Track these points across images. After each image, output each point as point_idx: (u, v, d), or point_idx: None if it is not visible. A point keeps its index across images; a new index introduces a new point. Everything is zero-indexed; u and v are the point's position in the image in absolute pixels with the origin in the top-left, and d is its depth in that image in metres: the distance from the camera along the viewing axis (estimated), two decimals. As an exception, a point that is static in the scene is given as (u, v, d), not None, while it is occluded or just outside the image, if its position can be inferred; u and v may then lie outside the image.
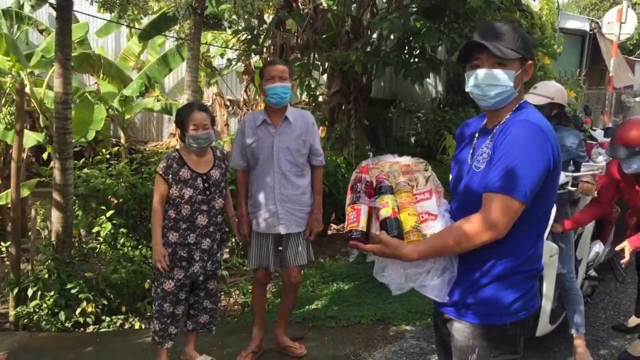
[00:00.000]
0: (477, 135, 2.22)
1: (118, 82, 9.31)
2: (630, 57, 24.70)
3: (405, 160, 2.28)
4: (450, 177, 2.33)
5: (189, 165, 3.69)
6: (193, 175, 3.67)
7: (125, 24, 8.18)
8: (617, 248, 3.75)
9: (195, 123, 3.61)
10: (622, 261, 3.74)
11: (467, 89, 2.15)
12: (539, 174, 1.93)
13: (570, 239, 4.16)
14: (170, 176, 3.64)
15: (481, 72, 2.06)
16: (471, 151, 2.18)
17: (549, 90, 4.15)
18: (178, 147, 4.54)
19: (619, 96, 19.49)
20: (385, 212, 2.04)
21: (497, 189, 1.92)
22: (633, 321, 4.65)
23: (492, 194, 1.93)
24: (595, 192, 4.16)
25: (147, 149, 11.80)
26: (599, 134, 7.39)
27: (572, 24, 16.46)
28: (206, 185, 3.70)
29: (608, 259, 5.36)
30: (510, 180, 1.90)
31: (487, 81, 2.05)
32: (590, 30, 16.80)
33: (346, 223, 2.09)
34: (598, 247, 4.98)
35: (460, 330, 2.12)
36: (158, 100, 10.47)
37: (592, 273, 4.79)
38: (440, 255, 2.02)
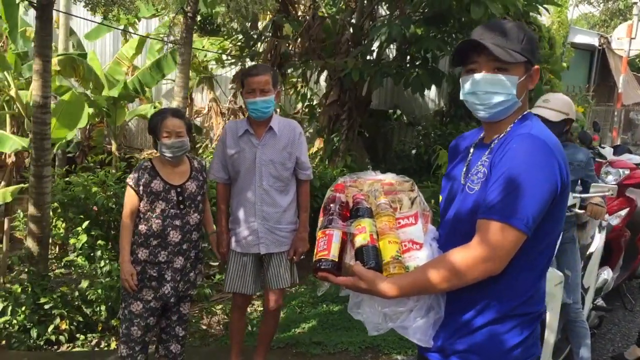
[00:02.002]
0: (472, 150, 1.90)
1: (94, 87, 9.01)
2: (640, 74, 24.36)
3: (388, 178, 1.97)
4: (441, 198, 2.00)
5: (162, 176, 3.38)
6: (166, 187, 3.36)
7: (120, 27, 7.92)
8: None
9: (168, 130, 3.30)
10: None
11: (461, 97, 1.83)
12: (544, 198, 1.61)
13: (577, 266, 3.83)
14: (141, 188, 3.33)
15: (479, 77, 1.74)
16: (465, 168, 1.87)
17: (564, 105, 3.76)
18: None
19: (627, 113, 19.16)
20: (361, 239, 1.73)
21: (494, 215, 1.60)
22: (633, 353, 4.31)
23: (488, 220, 1.61)
24: (606, 216, 3.84)
25: (141, 156, 11.51)
26: (608, 151, 7.03)
27: (581, 39, 16.17)
28: (180, 198, 3.39)
29: (617, 286, 5.00)
30: (510, 205, 1.59)
31: (486, 88, 1.74)
32: (600, 45, 16.51)
33: (315, 250, 1.77)
34: (606, 274, 4.64)
35: None
36: (154, 107, 10.20)
37: (600, 302, 4.44)
38: (424, 292, 1.70)
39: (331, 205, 1.83)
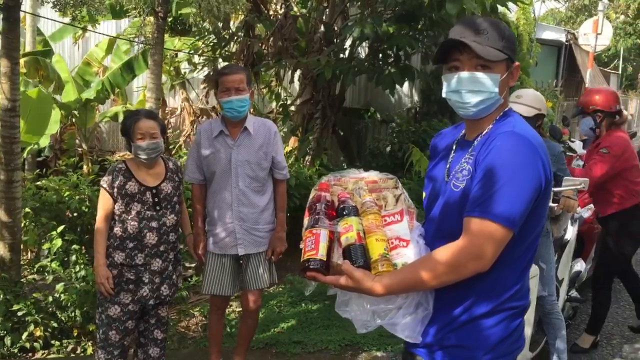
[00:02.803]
0: (454, 147, 1.90)
1: (60, 89, 8.84)
2: (606, 69, 24.87)
3: (372, 175, 1.96)
4: (424, 195, 2.01)
5: (137, 177, 3.33)
6: (141, 189, 3.31)
7: (89, 28, 7.76)
8: None
9: (142, 132, 3.25)
10: None
11: (444, 95, 1.83)
12: (529, 196, 1.62)
13: (551, 259, 3.88)
14: (116, 190, 3.28)
15: (461, 76, 1.74)
16: (447, 166, 1.87)
17: (535, 100, 3.84)
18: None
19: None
20: (349, 238, 1.72)
21: (481, 212, 1.61)
22: (586, 340, 4.42)
23: (475, 219, 1.62)
24: (578, 208, 3.91)
25: (114, 159, 11.34)
26: (577, 145, 7.14)
27: (548, 35, 16.43)
28: (156, 199, 3.34)
29: (589, 277, 5.09)
30: (496, 204, 1.59)
31: (469, 86, 1.74)
32: (567, 41, 16.79)
33: (303, 250, 1.76)
34: (580, 266, 4.72)
35: None
36: (125, 109, 10.05)
37: (574, 294, 4.51)
38: (413, 289, 1.70)
39: (317, 204, 1.82)
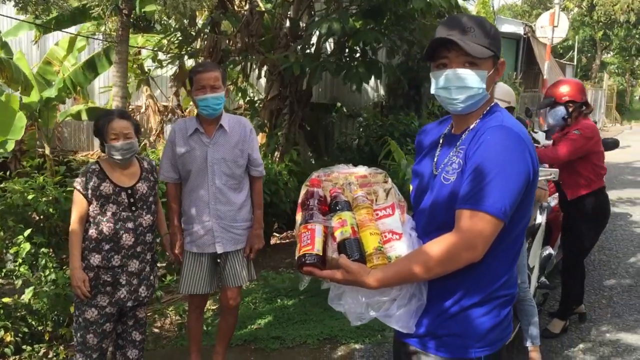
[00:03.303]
0: (440, 142, 1.94)
1: (23, 88, 8.62)
2: (561, 60, 25.45)
3: (361, 170, 1.98)
4: (411, 188, 2.04)
5: (111, 178, 3.28)
6: (116, 190, 3.26)
7: (37, 23, 7.52)
8: None
9: (116, 132, 3.20)
10: None
11: (432, 91, 1.86)
12: (519, 187, 1.67)
13: (523, 247, 3.97)
14: (90, 191, 3.22)
15: (450, 73, 1.78)
16: (435, 160, 1.91)
17: (506, 93, 3.95)
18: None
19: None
20: (343, 232, 1.74)
21: (473, 205, 1.65)
22: (557, 325, 4.56)
23: (468, 211, 1.66)
24: (548, 198, 4.02)
25: (76, 159, 11.12)
26: (540, 136, 7.30)
27: (507, 28, 16.72)
28: (132, 200, 3.30)
29: (558, 264, 5.22)
30: (487, 196, 1.63)
31: (457, 83, 1.78)
32: (525, 34, 17.11)
33: (298, 246, 1.77)
34: (549, 251, 4.84)
35: None
36: (87, 107, 9.86)
37: (543, 280, 4.63)
38: (409, 281, 1.73)
39: (310, 200, 1.83)
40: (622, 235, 7.60)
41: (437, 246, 1.68)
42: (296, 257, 1.75)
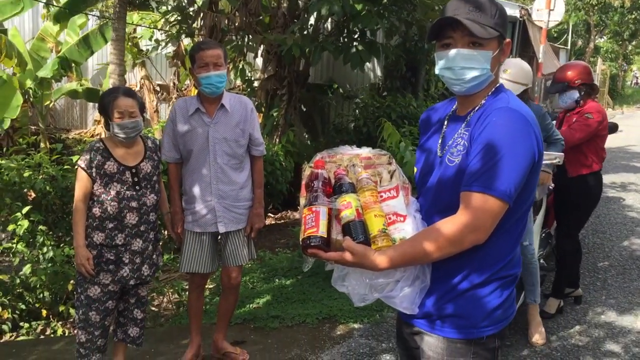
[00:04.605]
0: (445, 122, 1.96)
1: (18, 65, 8.56)
2: (556, 44, 25.37)
3: (365, 152, 1.99)
4: (415, 170, 2.06)
5: (116, 157, 3.29)
6: (120, 169, 3.27)
7: (43, 1, 7.49)
8: None
9: (121, 110, 3.20)
10: None
11: (437, 72, 1.88)
12: (524, 170, 1.69)
13: (531, 211, 4.04)
14: (94, 170, 3.23)
15: (454, 53, 1.79)
16: (440, 140, 1.93)
17: (524, 75, 4.01)
18: (103, 135, 4.09)
19: (546, 82, 19.92)
20: (348, 214, 1.76)
21: (478, 187, 1.67)
22: (552, 305, 4.66)
23: (472, 192, 1.68)
24: (552, 182, 4.09)
25: (69, 137, 11.07)
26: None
27: (503, 11, 16.58)
28: (136, 179, 3.31)
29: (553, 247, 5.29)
30: (493, 178, 1.66)
31: (462, 63, 1.79)
32: (521, 17, 17.02)
33: (302, 228, 1.78)
34: (547, 235, 4.90)
35: (433, 345, 1.87)
36: (81, 85, 9.79)
37: (542, 262, 4.69)
38: (415, 263, 1.76)
39: (314, 182, 1.84)
40: (616, 219, 7.69)
41: (444, 227, 1.70)
42: (300, 240, 1.77)
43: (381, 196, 1.85)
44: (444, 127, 1.95)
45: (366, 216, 1.78)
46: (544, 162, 3.76)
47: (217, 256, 3.72)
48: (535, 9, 16.62)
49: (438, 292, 1.83)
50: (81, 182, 3.26)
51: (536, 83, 17.05)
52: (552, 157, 3.89)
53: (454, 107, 1.98)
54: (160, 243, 3.68)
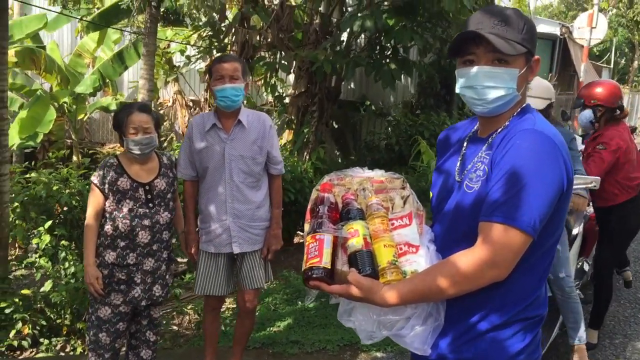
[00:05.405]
0: (465, 144, 1.79)
1: (59, 81, 8.67)
2: (598, 63, 24.81)
3: (378, 175, 1.83)
4: (431, 194, 1.89)
5: (129, 173, 3.19)
6: (134, 185, 3.18)
7: (77, 17, 7.58)
8: None
9: (135, 126, 3.12)
10: None
11: (457, 90, 1.71)
12: (550, 199, 1.50)
13: (565, 239, 3.78)
14: (107, 186, 3.15)
15: (477, 70, 1.62)
16: (459, 164, 1.75)
17: (546, 90, 3.77)
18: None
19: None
20: (354, 243, 1.60)
21: (498, 217, 1.49)
22: (592, 336, 4.35)
23: (492, 223, 1.50)
24: (589, 207, 3.82)
25: (104, 150, 11.18)
26: (578, 141, 7.02)
27: (543, 28, 16.30)
28: (149, 196, 3.21)
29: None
30: (515, 207, 1.47)
31: (485, 82, 1.62)
32: (561, 34, 16.68)
33: (305, 257, 1.64)
34: (585, 266, 4.62)
35: None
36: (116, 99, 9.89)
37: (578, 293, 4.41)
38: (427, 300, 1.59)
39: (319, 206, 1.69)
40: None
41: (459, 261, 1.53)
42: (302, 270, 1.62)
43: (392, 224, 1.69)
44: (464, 148, 1.78)
45: (375, 246, 1.62)
46: (579, 186, 3.53)
47: (234, 279, 3.59)
48: (577, 26, 16.31)
49: (453, 332, 1.65)
50: (93, 199, 3.18)
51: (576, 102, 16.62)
52: (588, 181, 3.64)
53: (475, 127, 1.81)
54: (179, 260, 3.57)
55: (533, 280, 1.63)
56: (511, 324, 1.61)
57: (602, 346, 4.40)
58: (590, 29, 15.42)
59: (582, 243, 4.61)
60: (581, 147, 6.15)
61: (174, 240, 3.69)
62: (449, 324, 1.65)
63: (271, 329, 4.63)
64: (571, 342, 3.84)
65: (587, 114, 4.22)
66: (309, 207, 1.76)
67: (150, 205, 3.21)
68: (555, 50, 17.35)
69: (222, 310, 4.88)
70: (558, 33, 16.86)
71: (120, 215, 3.15)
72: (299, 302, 5.15)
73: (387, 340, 4.27)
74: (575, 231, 4.17)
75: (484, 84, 1.62)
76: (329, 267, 1.59)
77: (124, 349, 3.46)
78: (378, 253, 1.60)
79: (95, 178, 3.19)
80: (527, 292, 1.62)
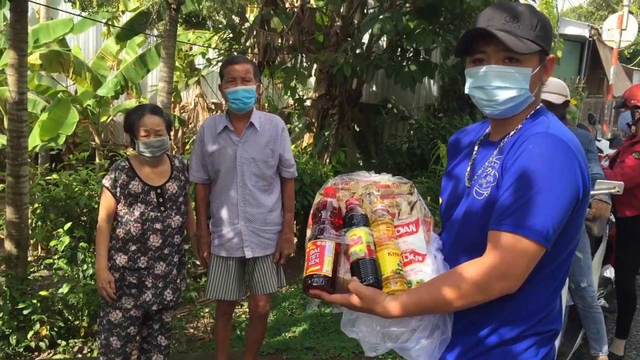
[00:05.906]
0: (476, 148, 1.70)
1: (90, 83, 8.75)
2: (628, 66, 24.32)
3: (384, 179, 1.76)
4: (440, 200, 1.81)
5: (141, 176, 3.17)
6: (145, 189, 3.15)
7: (103, 21, 7.64)
8: None
9: (147, 128, 3.09)
10: None
11: (467, 91, 1.63)
12: (565, 207, 1.41)
13: (587, 248, 3.65)
14: (118, 189, 3.12)
15: (487, 70, 1.54)
16: (469, 168, 1.67)
17: (561, 87, 3.67)
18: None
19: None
20: (357, 251, 1.53)
21: (509, 226, 1.40)
22: (619, 346, 4.21)
23: (502, 232, 1.41)
24: (611, 214, 3.70)
25: (127, 152, 11.25)
26: (604, 144, 6.84)
27: (571, 30, 16.03)
28: (161, 200, 3.18)
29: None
30: (527, 215, 1.38)
31: (495, 82, 1.54)
32: (590, 36, 16.38)
33: (305, 265, 1.57)
34: (609, 273, 4.47)
35: None
36: (140, 102, 9.94)
37: (602, 302, 4.27)
38: (432, 312, 1.51)
39: (322, 212, 1.63)
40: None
41: (468, 271, 1.45)
42: (303, 278, 1.56)
43: (398, 231, 1.61)
44: (474, 152, 1.69)
45: (379, 254, 1.55)
46: (602, 191, 3.40)
47: (245, 283, 3.54)
48: (606, 28, 16.02)
49: (461, 346, 1.57)
50: (105, 202, 3.16)
51: (606, 106, 16.31)
52: (612, 186, 3.51)
53: (487, 130, 1.72)
54: (185, 266, 3.53)
55: (547, 293, 1.54)
56: (523, 338, 1.53)
57: (628, 358, 4.25)
58: (620, 31, 15.14)
59: (607, 250, 4.47)
60: (608, 151, 5.99)
61: (186, 247, 3.66)
62: (456, 337, 1.57)
63: (286, 334, 4.57)
64: (593, 353, 3.73)
65: (626, 115, 4.17)
66: (311, 212, 1.70)
67: (162, 208, 3.18)
68: (584, 53, 17.06)
69: (237, 314, 4.84)
70: (587, 35, 16.57)
71: (132, 219, 3.12)
72: (316, 307, 5.07)
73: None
74: (600, 238, 4.04)
75: (494, 85, 1.54)
76: (330, 275, 1.52)
77: (136, 354, 3.44)
78: (382, 261, 1.53)
79: (106, 181, 3.17)
80: (540, 305, 1.53)
